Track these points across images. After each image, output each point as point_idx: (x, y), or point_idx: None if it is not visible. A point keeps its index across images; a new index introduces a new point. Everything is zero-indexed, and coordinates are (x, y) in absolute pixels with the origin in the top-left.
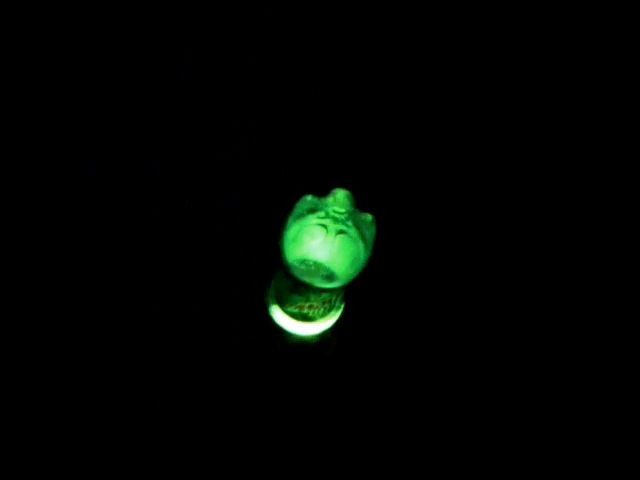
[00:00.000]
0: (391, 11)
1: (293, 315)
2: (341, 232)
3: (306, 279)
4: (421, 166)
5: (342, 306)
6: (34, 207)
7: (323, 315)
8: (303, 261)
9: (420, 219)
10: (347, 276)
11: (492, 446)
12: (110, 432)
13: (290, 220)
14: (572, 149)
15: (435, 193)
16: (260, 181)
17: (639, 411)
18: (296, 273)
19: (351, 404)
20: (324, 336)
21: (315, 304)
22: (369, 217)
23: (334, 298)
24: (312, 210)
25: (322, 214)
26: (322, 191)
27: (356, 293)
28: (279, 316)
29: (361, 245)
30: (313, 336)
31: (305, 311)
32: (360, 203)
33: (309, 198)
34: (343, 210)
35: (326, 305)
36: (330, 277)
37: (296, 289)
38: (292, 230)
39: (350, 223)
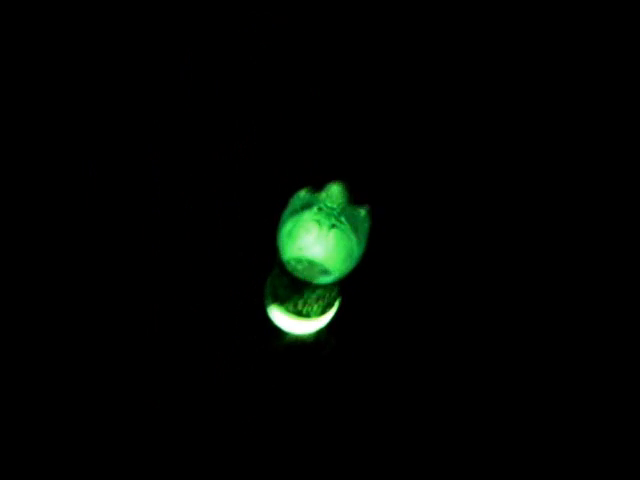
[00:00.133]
0: (384, 8)
1: (289, 312)
2: (334, 227)
3: (301, 274)
4: (415, 159)
5: (337, 303)
6: (34, 207)
7: (318, 312)
8: (298, 256)
9: (414, 212)
10: (341, 270)
11: (490, 443)
12: (111, 430)
13: (285, 216)
14: (571, 145)
15: (429, 186)
16: (256, 179)
17: (639, 411)
18: (291, 269)
19: (348, 401)
20: (320, 334)
21: (310, 300)
22: (363, 211)
23: (329, 294)
24: (306, 206)
25: (316, 209)
26: (319, 184)
27: (351, 290)
28: (276, 314)
29: (354, 239)
30: (310, 334)
31: (300, 308)
32: (354, 197)
33: (303, 194)
34: (336, 205)
35: (321, 301)
36: (325, 272)
37: (291, 285)
38: (287, 226)
39: (343, 218)
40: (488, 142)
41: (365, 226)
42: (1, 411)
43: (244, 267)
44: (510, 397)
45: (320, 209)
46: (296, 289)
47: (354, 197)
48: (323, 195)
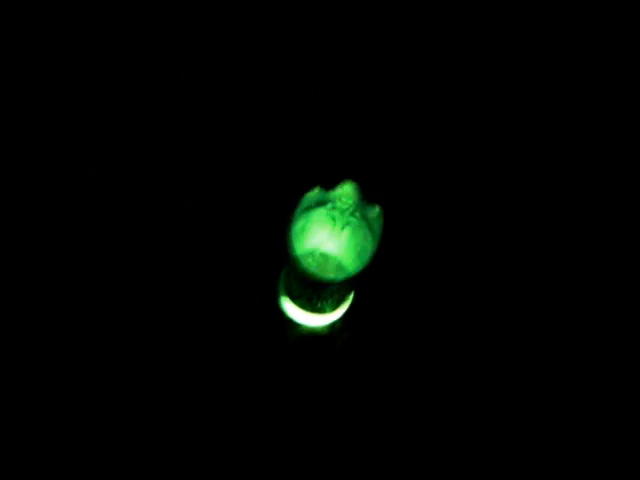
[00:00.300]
0: (390, 8)
1: (303, 307)
2: (348, 224)
3: (314, 271)
4: (427, 158)
5: (351, 297)
6: (34, 207)
7: (332, 307)
8: (311, 253)
9: (427, 210)
10: (355, 268)
11: (494, 443)
12: (113, 429)
13: (298, 213)
14: (572, 144)
15: (442, 185)
16: (267, 175)
17: (638, 411)
18: (304, 266)
19: (360, 395)
20: (334, 327)
21: (324, 296)
22: (376, 209)
23: (343, 290)
24: (320, 203)
25: (329, 206)
26: (330, 184)
27: (365, 284)
28: (289, 308)
29: (369, 237)
30: (323, 327)
31: (314, 302)
32: (367, 195)
33: (316, 191)
34: (350, 202)
35: (335, 297)
36: (338, 269)
37: (305, 282)
38: (300, 223)
39: (357, 215)
40: (503, 143)
41: (378, 224)
42: (1, 411)
43: (256, 263)
44: (517, 394)
45: (334, 206)
46: (309, 285)
47: (366, 196)
48: (336, 193)
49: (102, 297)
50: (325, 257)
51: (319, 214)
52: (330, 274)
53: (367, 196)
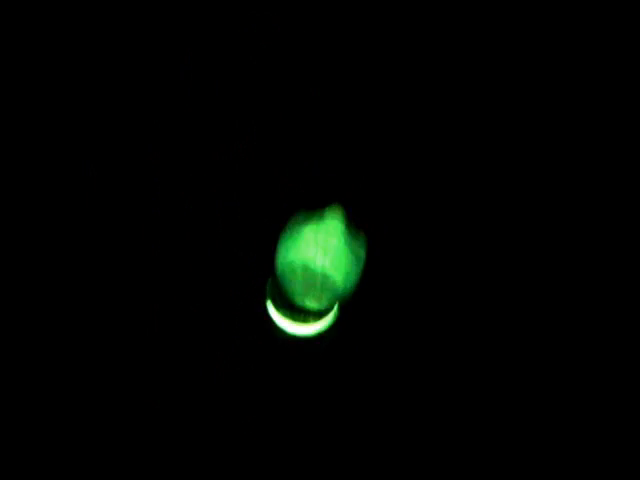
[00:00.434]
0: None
1: (286, 316)
2: (333, 247)
3: (295, 288)
4: (414, 183)
5: (335, 309)
6: (34, 208)
7: (315, 318)
8: (296, 264)
9: (414, 234)
10: (341, 291)
11: (490, 445)
12: (112, 428)
13: (285, 235)
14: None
15: (428, 211)
16: (267, 175)
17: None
18: (288, 281)
19: (346, 395)
20: (319, 334)
21: (309, 316)
22: (361, 235)
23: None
24: (307, 225)
25: (316, 229)
26: (318, 206)
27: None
28: (275, 315)
29: (354, 262)
30: (309, 335)
31: (297, 314)
32: (354, 219)
33: (303, 213)
34: (337, 226)
35: (318, 315)
36: (322, 290)
37: (290, 307)
38: (286, 245)
39: (343, 237)
40: (491, 168)
41: (362, 250)
42: (1, 411)
43: (246, 269)
44: (510, 403)
45: (321, 228)
46: (294, 309)
47: (352, 221)
48: (325, 215)
49: (102, 296)
50: (310, 276)
51: (306, 238)
52: (314, 303)
53: (353, 221)
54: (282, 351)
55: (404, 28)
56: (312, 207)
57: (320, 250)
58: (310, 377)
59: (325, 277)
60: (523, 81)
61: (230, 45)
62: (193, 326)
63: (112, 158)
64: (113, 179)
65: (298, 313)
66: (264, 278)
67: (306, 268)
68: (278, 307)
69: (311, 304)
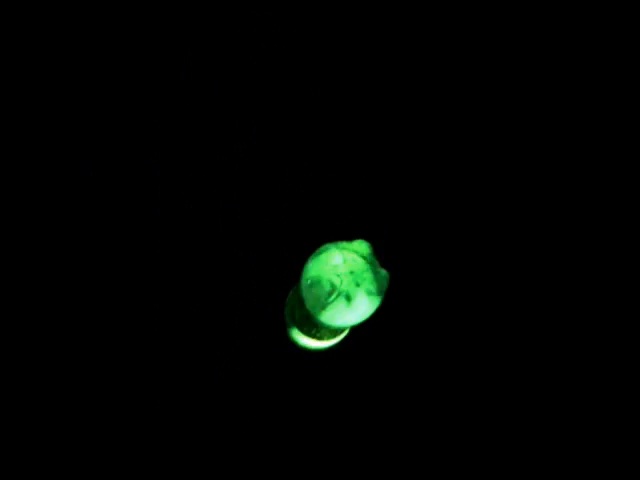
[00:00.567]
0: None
1: (302, 333)
2: (357, 284)
3: (312, 299)
4: (435, 223)
5: (348, 330)
6: (34, 208)
7: (329, 336)
8: (319, 291)
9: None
10: (354, 322)
11: (492, 448)
12: (113, 428)
13: (310, 264)
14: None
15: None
16: (268, 175)
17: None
18: (305, 291)
19: (357, 403)
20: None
21: (322, 328)
22: (384, 271)
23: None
24: (332, 257)
25: (341, 261)
26: (343, 238)
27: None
28: (291, 330)
29: (375, 299)
30: (322, 348)
31: (313, 332)
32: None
33: (330, 245)
34: (363, 260)
35: (332, 329)
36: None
37: (310, 319)
38: (310, 274)
39: (367, 275)
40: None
41: (384, 285)
42: (1, 411)
43: (256, 262)
44: (510, 402)
45: (346, 262)
46: (310, 317)
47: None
48: (351, 248)
49: (102, 297)
50: (330, 294)
51: (331, 271)
52: (325, 303)
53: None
54: (293, 359)
55: (407, 29)
56: (338, 241)
57: (346, 269)
58: (319, 383)
59: (345, 297)
60: (530, 84)
61: (230, 45)
62: (199, 326)
63: (112, 158)
64: (113, 179)
65: (314, 328)
66: (275, 272)
67: (328, 285)
68: (294, 320)
69: (327, 321)
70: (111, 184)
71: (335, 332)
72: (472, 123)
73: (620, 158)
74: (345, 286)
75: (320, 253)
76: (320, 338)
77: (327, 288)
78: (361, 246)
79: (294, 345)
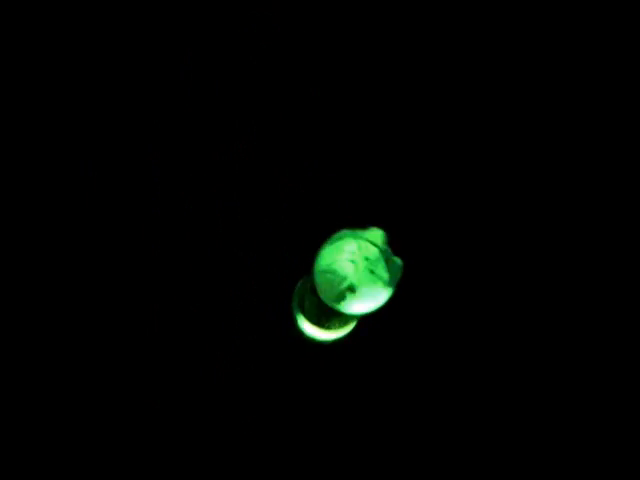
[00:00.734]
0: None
1: (311, 323)
2: (371, 272)
3: (325, 292)
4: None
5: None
6: (34, 208)
7: (338, 327)
8: (329, 268)
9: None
10: (366, 311)
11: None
12: (114, 428)
13: (324, 250)
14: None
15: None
16: (268, 176)
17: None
18: (318, 284)
19: (365, 396)
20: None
21: (332, 317)
22: (398, 260)
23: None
24: (347, 244)
25: (355, 249)
26: (357, 224)
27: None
28: (300, 320)
29: (388, 288)
30: (329, 340)
31: (322, 322)
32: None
33: (345, 232)
34: (377, 248)
35: (342, 318)
36: (350, 290)
37: (317, 301)
38: (325, 261)
39: (381, 263)
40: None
41: (398, 275)
42: (1, 411)
43: (256, 262)
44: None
45: (360, 248)
46: (320, 305)
47: (391, 244)
48: (365, 236)
49: (102, 297)
50: (338, 275)
51: (344, 257)
52: (341, 298)
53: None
54: (301, 350)
55: (407, 29)
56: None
57: (360, 256)
58: (324, 378)
59: (358, 284)
60: (530, 84)
61: (230, 45)
62: (200, 326)
63: (112, 158)
64: (113, 179)
65: (323, 317)
66: (275, 273)
67: (342, 271)
68: (303, 310)
69: (338, 308)
70: (111, 184)
71: (344, 322)
72: (492, 111)
73: (620, 158)
74: (359, 273)
75: (335, 240)
76: (329, 328)
77: (341, 274)
78: (376, 234)
79: (301, 337)
